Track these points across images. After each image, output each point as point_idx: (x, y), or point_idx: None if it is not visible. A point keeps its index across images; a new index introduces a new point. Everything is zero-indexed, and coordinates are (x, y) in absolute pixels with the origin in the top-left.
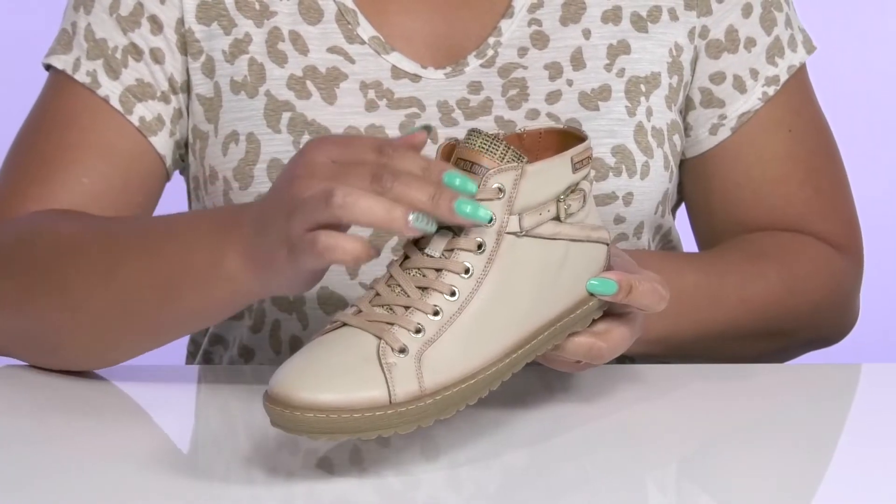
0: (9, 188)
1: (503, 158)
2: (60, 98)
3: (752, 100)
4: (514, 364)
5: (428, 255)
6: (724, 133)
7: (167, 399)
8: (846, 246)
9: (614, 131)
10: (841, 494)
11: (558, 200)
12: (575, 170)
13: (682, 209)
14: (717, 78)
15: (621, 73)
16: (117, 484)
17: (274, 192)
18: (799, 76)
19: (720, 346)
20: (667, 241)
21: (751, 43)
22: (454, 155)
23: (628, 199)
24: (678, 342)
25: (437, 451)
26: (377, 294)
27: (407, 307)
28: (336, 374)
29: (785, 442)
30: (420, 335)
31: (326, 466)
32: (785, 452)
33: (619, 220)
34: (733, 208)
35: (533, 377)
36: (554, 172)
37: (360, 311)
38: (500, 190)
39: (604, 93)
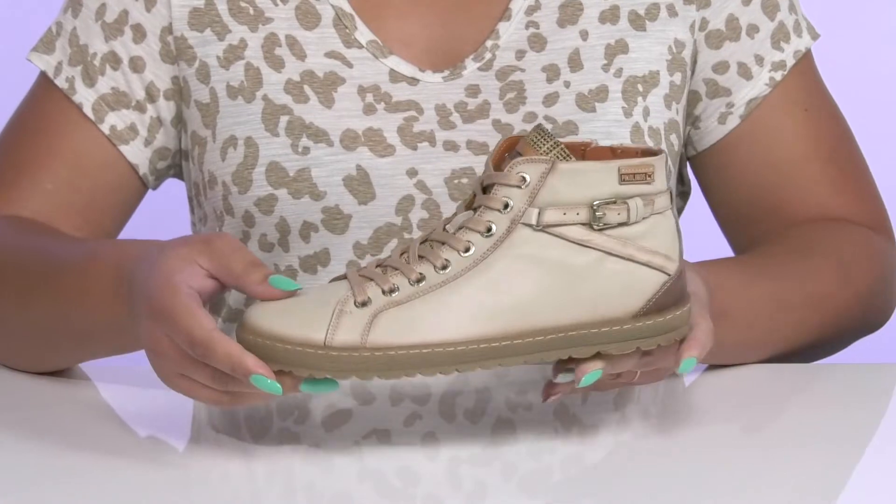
0: None
1: (548, 153)
2: (40, 101)
3: (759, 85)
4: (495, 353)
5: (444, 230)
6: (732, 121)
7: (167, 395)
8: (878, 225)
9: (611, 133)
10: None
11: (591, 206)
12: (622, 181)
13: (689, 209)
14: (721, 67)
15: (619, 73)
16: (116, 481)
17: (140, 318)
18: (806, 61)
19: (789, 348)
20: None
21: (753, 29)
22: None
23: None
24: (747, 351)
25: (437, 448)
26: (388, 256)
27: (396, 269)
28: (293, 311)
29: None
30: (391, 295)
31: (326, 463)
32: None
33: None
34: (759, 192)
35: (535, 374)
36: (592, 176)
37: (363, 268)
38: (524, 179)
39: (601, 94)
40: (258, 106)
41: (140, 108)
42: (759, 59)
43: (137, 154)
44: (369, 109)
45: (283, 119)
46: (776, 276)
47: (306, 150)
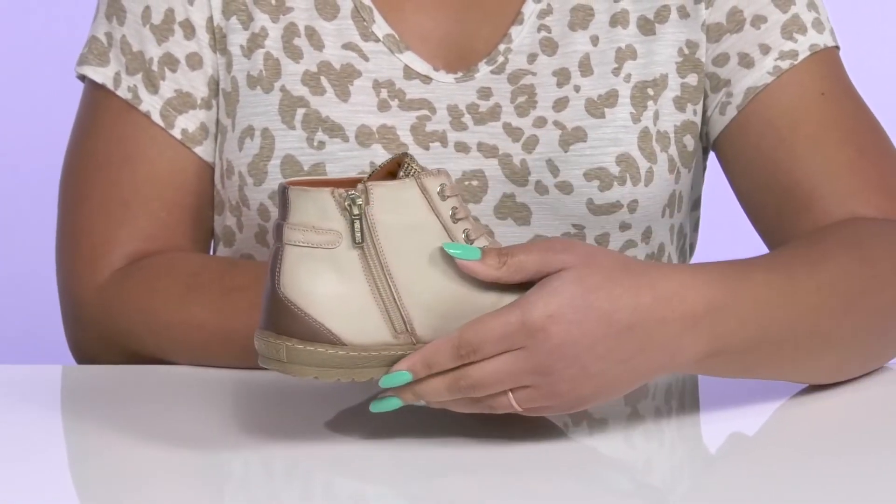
0: (97, 233)
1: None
2: (110, 119)
3: (761, 74)
4: None
5: None
6: (731, 111)
7: (189, 390)
8: None
9: (619, 139)
10: None
11: None
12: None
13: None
14: (720, 60)
15: (628, 78)
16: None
17: None
18: (829, 58)
19: (815, 347)
20: (682, 239)
21: (760, 20)
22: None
23: (633, 206)
24: (759, 355)
25: (442, 439)
26: None
27: None
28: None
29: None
30: None
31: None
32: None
33: (624, 226)
34: (773, 175)
35: None
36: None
37: None
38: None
39: (610, 98)
40: (276, 97)
41: (206, 105)
42: (765, 49)
43: (211, 152)
44: (383, 105)
45: (300, 112)
46: (783, 265)
47: (321, 144)
